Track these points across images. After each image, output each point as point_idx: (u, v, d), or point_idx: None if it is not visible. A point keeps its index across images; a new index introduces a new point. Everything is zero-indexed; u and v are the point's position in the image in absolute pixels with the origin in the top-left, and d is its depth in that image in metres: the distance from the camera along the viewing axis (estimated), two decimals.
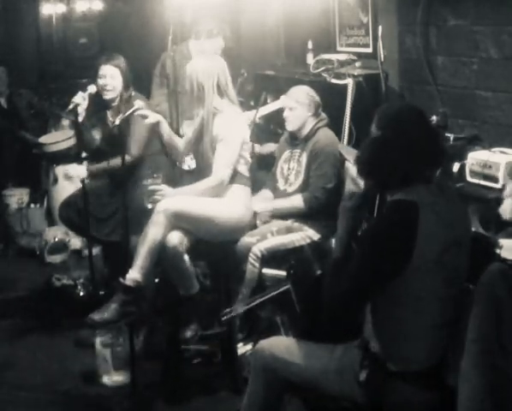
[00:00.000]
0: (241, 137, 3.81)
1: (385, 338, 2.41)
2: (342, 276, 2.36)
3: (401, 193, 2.36)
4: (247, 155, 3.89)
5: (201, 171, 3.89)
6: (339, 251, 2.49)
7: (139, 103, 4.00)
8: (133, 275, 3.58)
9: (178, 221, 3.60)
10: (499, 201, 3.26)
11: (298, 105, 4.13)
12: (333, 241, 3.73)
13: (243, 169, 3.86)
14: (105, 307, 3.63)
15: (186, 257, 3.66)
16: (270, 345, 2.67)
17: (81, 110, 4.18)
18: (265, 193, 4.35)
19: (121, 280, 3.58)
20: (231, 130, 3.75)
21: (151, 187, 3.68)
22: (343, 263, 2.42)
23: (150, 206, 3.66)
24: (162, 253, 3.61)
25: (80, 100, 4.14)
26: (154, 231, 3.57)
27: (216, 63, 3.86)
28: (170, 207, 3.59)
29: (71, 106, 4.14)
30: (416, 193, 2.33)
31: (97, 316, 3.61)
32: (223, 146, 3.72)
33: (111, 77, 4.37)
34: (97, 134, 4.48)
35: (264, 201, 4.27)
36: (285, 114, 4.19)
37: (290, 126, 4.19)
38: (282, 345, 2.67)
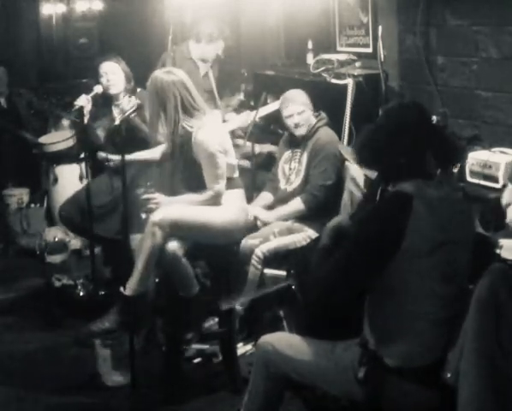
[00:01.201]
0: (221, 147, 3.72)
1: (381, 334, 2.42)
2: (329, 261, 2.38)
3: (400, 185, 2.38)
4: (232, 160, 3.84)
5: (187, 185, 3.85)
6: (327, 239, 2.54)
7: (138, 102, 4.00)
8: (133, 285, 3.57)
9: (174, 229, 3.58)
10: (499, 202, 3.26)
11: (305, 107, 4.14)
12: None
13: (231, 174, 3.82)
14: (105, 317, 3.63)
15: (184, 260, 3.65)
16: (272, 340, 2.67)
17: (86, 112, 4.19)
18: (265, 195, 4.35)
19: (121, 290, 3.58)
20: (212, 146, 3.65)
21: (145, 196, 3.66)
22: (331, 250, 2.44)
23: (144, 216, 3.64)
24: (161, 258, 3.60)
25: (84, 102, 4.15)
26: (150, 242, 3.56)
27: (176, 81, 3.70)
28: (165, 217, 3.56)
29: (75, 108, 4.14)
30: (414, 186, 2.35)
31: (96, 327, 3.61)
32: (208, 164, 3.66)
33: (112, 72, 4.42)
34: (102, 133, 4.49)
35: (264, 202, 4.28)
36: (295, 120, 4.14)
37: (303, 129, 4.16)
38: (284, 340, 2.68)
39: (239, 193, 3.85)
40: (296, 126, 4.15)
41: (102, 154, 4.34)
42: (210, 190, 3.68)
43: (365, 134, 2.51)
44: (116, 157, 4.12)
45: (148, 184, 3.72)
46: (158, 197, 3.68)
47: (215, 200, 3.70)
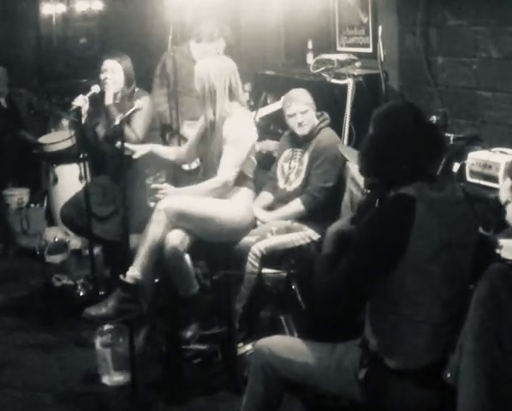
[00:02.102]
0: (251, 139, 3.81)
1: (383, 335, 2.41)
2: (334, 270, 2.38)
3: (402, 189, 2.37)
4: (253, 158, 3.89)
5: (207, 172, 3.89)
6: (330, 247, 2.53)
7: (138, 103, 4.01)
8: (133, 272, 3.58)
9: (179, 220, 3.60)
10: (499, 202, 3.26)
11: (309, 107, 4.14)
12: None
13: (249, 172, 3.86)
14: (103, 303, 3.62)
15: (186, 257, 3.65)
16: (270, 343, 2.67)
17: (84, 112, 4.19)
18: (265, 195, 4.35)
19: (121, 277, 3.58)
20: (241, 132, 3.75)
21: (154, 186, 3.68)
22: (335, 257, 2.44)
23: (152, 205, 3.66)
24: (162, 253, 3.61)
25: (82, 103, 4.14)
26: (154, 230, 3.57)
27: (228, 66, 3.85)
28: (172, 206, 3.58)
29: (73, 108, 4.15)
30: (416, 190, 2.34)
31: (93, 311, 3.60)
32: (231, 148, 3.72)
33: (112, 71, 4.41)
34: (101, 131, 4.49)
35: (264, 202, 4.28)
36: (298, 119, 4.13)
37: (306, 128, 4.15)
38: (282, 343, 2.68)
39: (250, 193, 3.88)
40: (299, 125, 4.15)
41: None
42: (219, 177, 3.70)
43: (364, 143, 2.50)
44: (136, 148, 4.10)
45: (158, 174, 3.73)
46: (167, 187, 3.70)
47: (221, 190, 3.71)
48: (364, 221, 2.42)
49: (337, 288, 2.37)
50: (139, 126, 4.32)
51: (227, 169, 3.71)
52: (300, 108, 4.13)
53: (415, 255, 2.28)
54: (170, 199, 3.62)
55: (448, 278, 2.34)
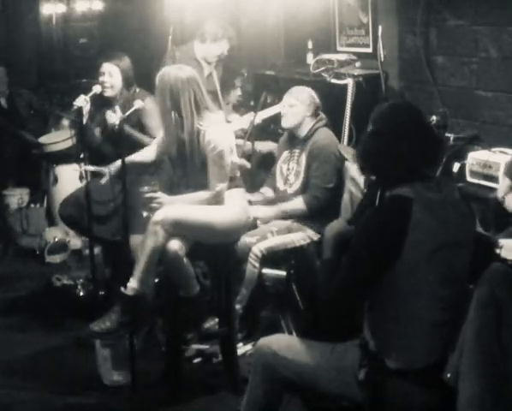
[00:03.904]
0: (228, 147, 3.69)
1: (382, 336, 2.42)
2: (335, 274, 2.38)
3: (399, 189, 2.37)
4: (235, 158, 3.82)
5: (190, 185, 3.83)
6: (330, 252, 2.53)
7: (139, 102, 4.00)
8: (134, 284, 3.56)
9: (176, 229, 3.57)
10: (498, 200, 3.27)
11: (298, 103, 4.13)
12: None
13: (234, 173, 3.80)
14: (106, 317, 3.63)
15: (186, 260, 3.65)
16: (270, 343, 2.67)
17: (85, 112, 4.18)
18: (265, 190, 4.35)
19: (121, 290, 3.58)
20: (220, 144, 3.61)
21: (149, 195, 3.65)
22: (335, 262, 2.44)
23: (145, 214, 3.64)
24: (162, 258, 3.60)
25: (83, 103, 4.14)
26: (152, 241, 3.54)
27: (190, 79, 3.63)
28: (167, 217, 3.55)
29: (74, 108, 4.14)
30: (413, 190, 2.34)
31: (97, 327, 3.61)
32: (215, 163, 3.62)
33: (109, 75, 4.41)
34: (98, 134, 4.49)
35: (263, 197, 4.28)
36: (284, 110, 4.17)
37: (286, 122, 4.18)
38: (282, 343, 2.68)
39: (240, 192, 3.86)
40: (282, 116, 4.18)
41: (90, 168, 4.15)
42: (212, 189, 3.68)
43: (362, 141, 2.50)
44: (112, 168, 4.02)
45: (152, 183, 3.72)
46: (161, 196, 3.68)
47: (216, 200, 3.70)
48: (361, 222, 2.43)
49: (339, 294, 2.37)
50: (154, 126, 4.29)
51: (218, 183, 3.65)
52: (289, 100, 4.15)
53: (412, 255, 2.28)
54: (165, 210, 3.58)
55: (446, 278, 2.34)
